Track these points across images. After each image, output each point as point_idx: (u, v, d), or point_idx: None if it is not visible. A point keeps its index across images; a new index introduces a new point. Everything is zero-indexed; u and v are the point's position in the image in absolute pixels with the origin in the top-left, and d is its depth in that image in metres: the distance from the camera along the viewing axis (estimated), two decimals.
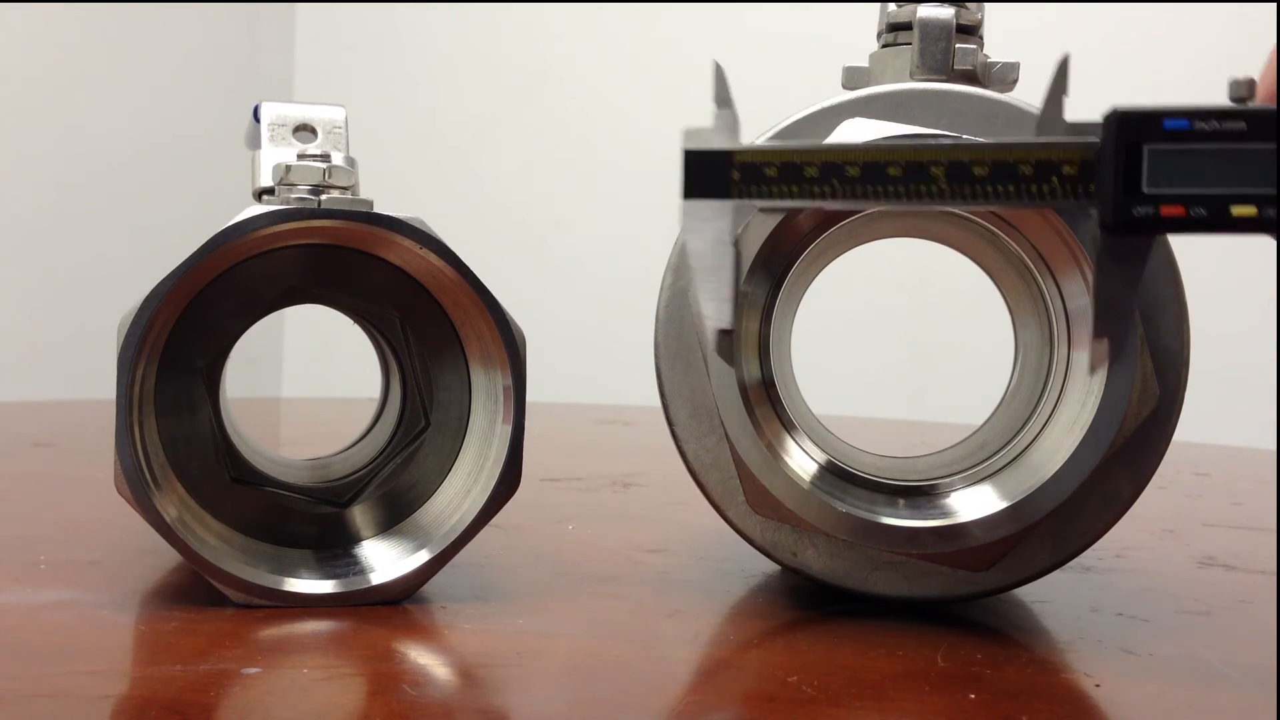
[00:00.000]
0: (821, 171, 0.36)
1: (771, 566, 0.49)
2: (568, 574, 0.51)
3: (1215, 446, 1.08)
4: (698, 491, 0.45)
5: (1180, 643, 0.43)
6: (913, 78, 0.44)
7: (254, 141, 0.48)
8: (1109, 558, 0.56)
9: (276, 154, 0.45)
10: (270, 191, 0.44)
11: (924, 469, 0.47)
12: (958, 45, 0.44)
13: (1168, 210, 0.34)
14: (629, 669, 0.38)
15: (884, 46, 0.46)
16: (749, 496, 0.42)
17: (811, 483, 0.42)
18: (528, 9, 1.83)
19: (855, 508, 0.42)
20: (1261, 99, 0.35)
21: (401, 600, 0.44)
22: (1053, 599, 0.48)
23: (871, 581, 0.44)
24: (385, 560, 0.45)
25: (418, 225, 0.43)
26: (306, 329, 1.63)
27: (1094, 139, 0.34)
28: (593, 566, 0.52)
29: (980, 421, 0.50)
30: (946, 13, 0.44)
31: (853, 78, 0.46)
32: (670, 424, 0.45)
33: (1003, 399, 0.50)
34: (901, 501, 0.44)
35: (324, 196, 0.43)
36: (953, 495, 0.44)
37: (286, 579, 0.43)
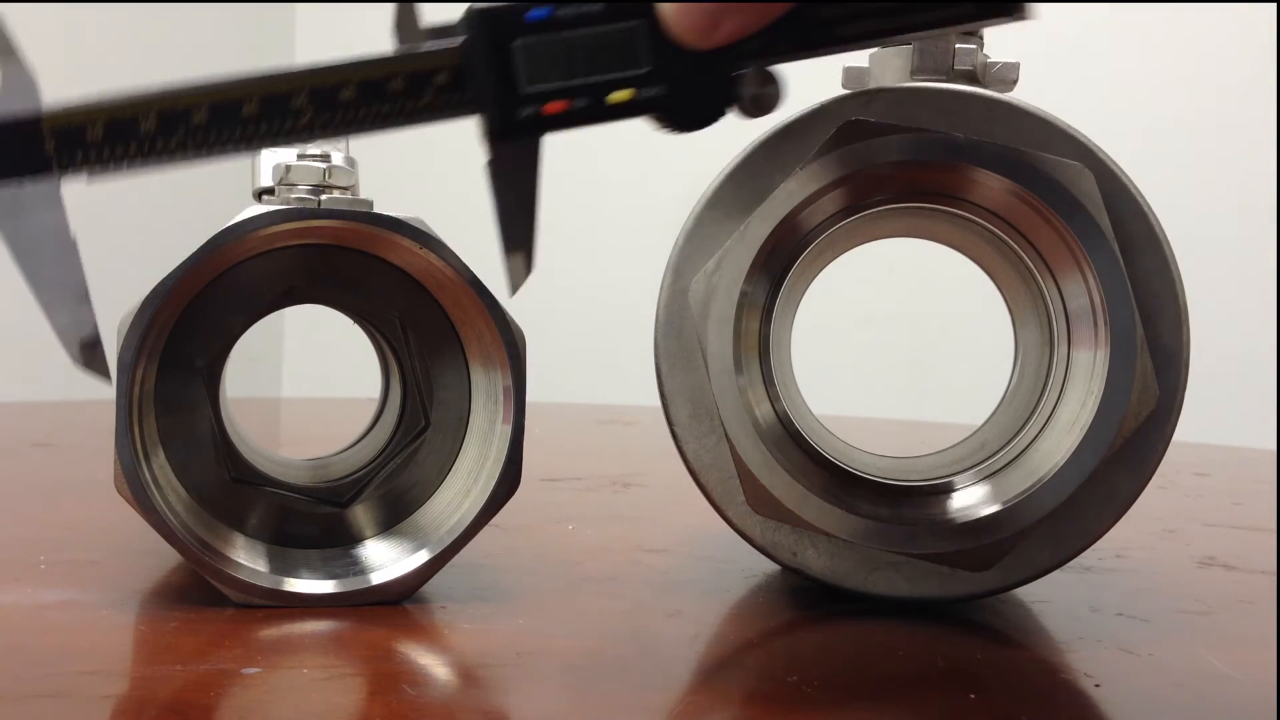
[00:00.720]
0: (161, 123, 0.31)
1: (771, 566, 0.49)
2: (568, 574, 0.51)
3: (1215, 446, 1.08)
4: (698, 491, 0.45)
5: (1180, 643, 0.43)
6: (913, 77, 0.44)
7: None
8: (1109, 558, 0.56)
9: (276, 154, 0.45)
10: (270, 191, 0.44)
11: (924, 469, 0.47)
12: (958, 45, 0.44)
13: (551, 108, 0.32)
14: (629, 669, 0.38)
15: (884, 46, 0.46)
16: (749, 496, 0.42)
17: (811, 483, 0.42)
18: None
19: (855, 508, 0.42)
20: None
21: (401, 600, 0.44)
22: (1053, 599, 0.48)
23: (871, 581, 0.44)
24: (385, 560, 0.45)
25: (418, 225, 0.43)
26: (306, 329, 1.63)
27: (459, 41, 0.32)
28: (593, 566, 0.52)
29: (980, 421, 0.50)
30: None
31: (853, 77, 0.46)
32: (670, 424, 0.45)
33: (1003, 399, 0.50)
34: (902, 501, 0.44)
35: (324, 196, 0.43)
36: (953, 495, 0.44)
37: (286, 579, 0.43)
